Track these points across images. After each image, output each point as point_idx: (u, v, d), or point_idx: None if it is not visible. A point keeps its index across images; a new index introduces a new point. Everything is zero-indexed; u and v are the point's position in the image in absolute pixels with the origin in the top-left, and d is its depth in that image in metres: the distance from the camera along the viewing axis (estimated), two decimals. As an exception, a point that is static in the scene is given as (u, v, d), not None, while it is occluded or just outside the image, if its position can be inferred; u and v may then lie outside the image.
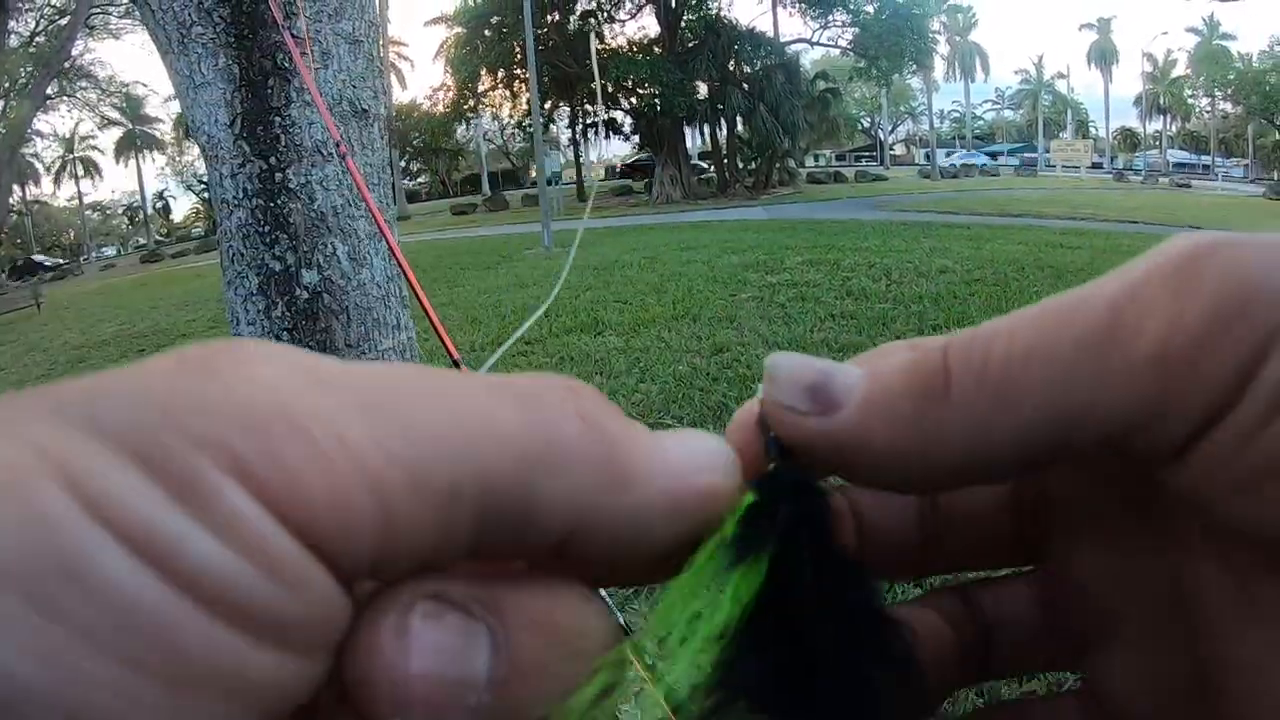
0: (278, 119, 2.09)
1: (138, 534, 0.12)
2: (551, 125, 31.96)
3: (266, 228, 2.12)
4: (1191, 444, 0.17)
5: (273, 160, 2.09)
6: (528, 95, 21.36)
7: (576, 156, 35.16)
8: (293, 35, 1.96)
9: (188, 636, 0.13)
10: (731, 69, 27.06)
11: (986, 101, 71.23)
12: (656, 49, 27.87)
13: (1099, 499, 0.22)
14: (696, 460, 0.18)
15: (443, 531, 0.15)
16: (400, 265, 1.77)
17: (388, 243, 1.86)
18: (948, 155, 49.56)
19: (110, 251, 53.84)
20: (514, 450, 0.15)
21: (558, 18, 27.94)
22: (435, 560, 0.16)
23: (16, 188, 38.73)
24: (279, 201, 2.11)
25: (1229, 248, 0.17)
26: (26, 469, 0.12)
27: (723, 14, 28.08)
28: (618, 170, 43.97)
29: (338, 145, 1.87)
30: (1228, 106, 58.45)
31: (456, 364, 1.63)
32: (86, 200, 59.80)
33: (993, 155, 51.90)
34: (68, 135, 54.56)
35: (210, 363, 0.15)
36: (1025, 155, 49.86)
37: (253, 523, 0.13)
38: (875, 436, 0.19)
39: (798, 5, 29.65)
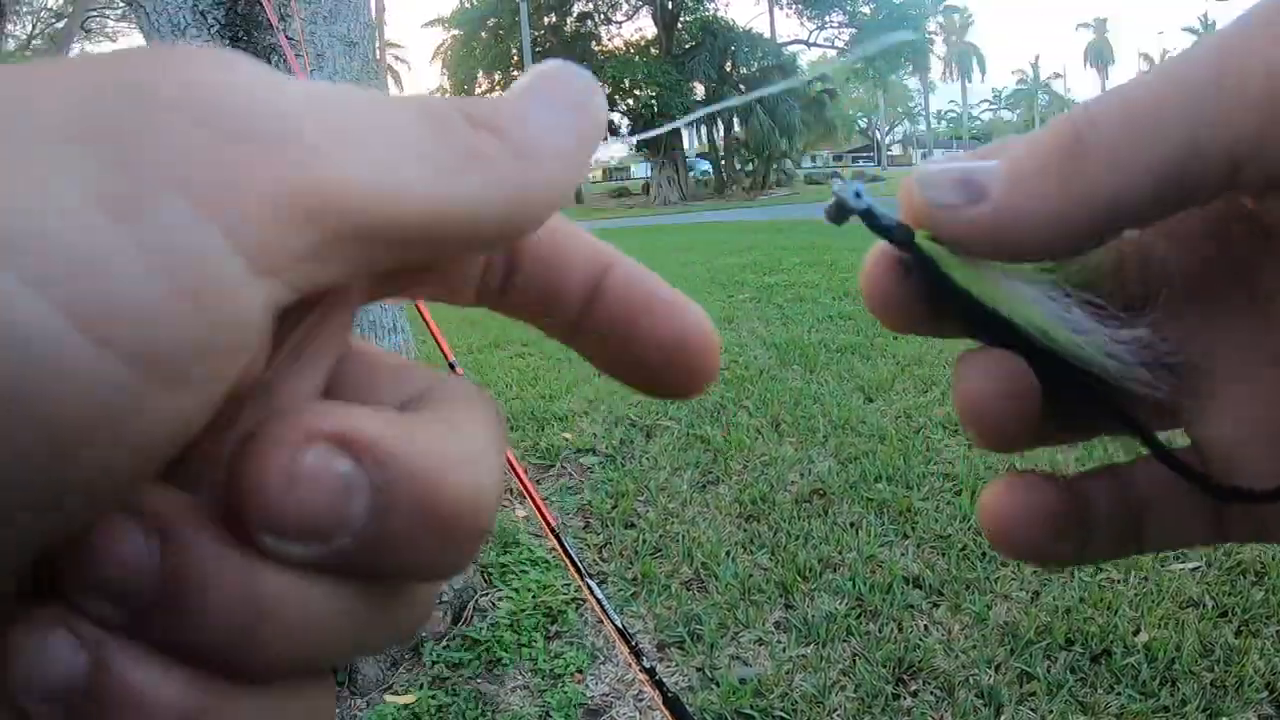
0: (272, 121, 2.08)
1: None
2: (549, 127, 31.89)
3: (262, 230, 2.11)
4: None
5: (268, 162, 2.09)
6: (525, 97, 21.32)
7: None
8: (287, 37, 1.96)
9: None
10: (728, 70, 27.10)
11: (983, 102, 71.33)
12: (653, 50, 27.89)
13: (1207, 261, 0.24)
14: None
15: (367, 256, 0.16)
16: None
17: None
18: (923, 155, 49.61)
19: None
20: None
21: (554, 20, 27.95)
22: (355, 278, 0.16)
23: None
24: (274, 204, 2.10)
25: None
26: None
27: (719, 15, 28.13)
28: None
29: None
30: (1224, 106, 58.41)
31: (452, 367, 1.62)
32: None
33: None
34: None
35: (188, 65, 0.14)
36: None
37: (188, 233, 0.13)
38: (1027, 206, 0.21)
39: (794, 6, 29.70)
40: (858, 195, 0.25)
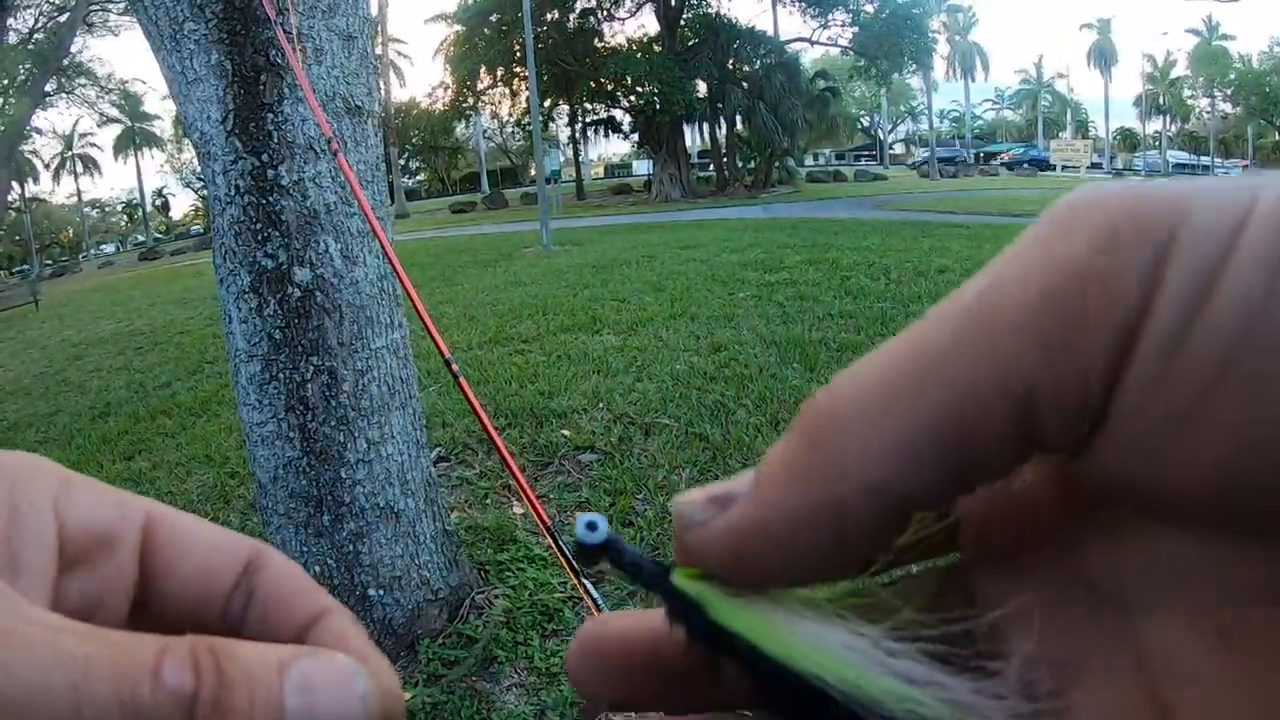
0: (270, 115, 2.07)
1: None
2: (551, 123, 31.94)
3: (258, 225, 2.10)
4: (1101, 401, 0.15)
5: (265, 157, 2.08)
6: (527, 93, 21.36)
7: (576, 155, 35.15)
8: (285, 31, 1.95)
9: None
10: (731, 67, 27.04)
11: (986, 101, 71.23)
12: (656, 47, 27.84)
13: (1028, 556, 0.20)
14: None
15: None
16: (392, 264, 1.75)
17: (379, 241, 1.84)
18: (908, 150, 49.34)
19: (109, 249, 53.84)
20: None
21: (557, 16, 27.90)
22: None
23: (15, 184, 38.71)
24: (271, 198, 2.09)
25: (1096, 192, 0.16)
26: None
27: (722, 12, 28.08)
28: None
29: (329, 142, 1.85)
30: (1227, 107, 58.47)
31: (448, 363, 1.61)
32: (86, 197, 59.86)
33: (990, 155, 51.88)
34: (67, 132, 54.63)
35: None
36: (1030, 156, 49.84)
37: None
38: (772, 502, 0.18)
39: (797, 4, 29.63)
40: (591, 527, 0.20)
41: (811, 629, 0.18)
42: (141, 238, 54.71)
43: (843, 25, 29.61)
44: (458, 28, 30.32)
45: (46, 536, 0.20)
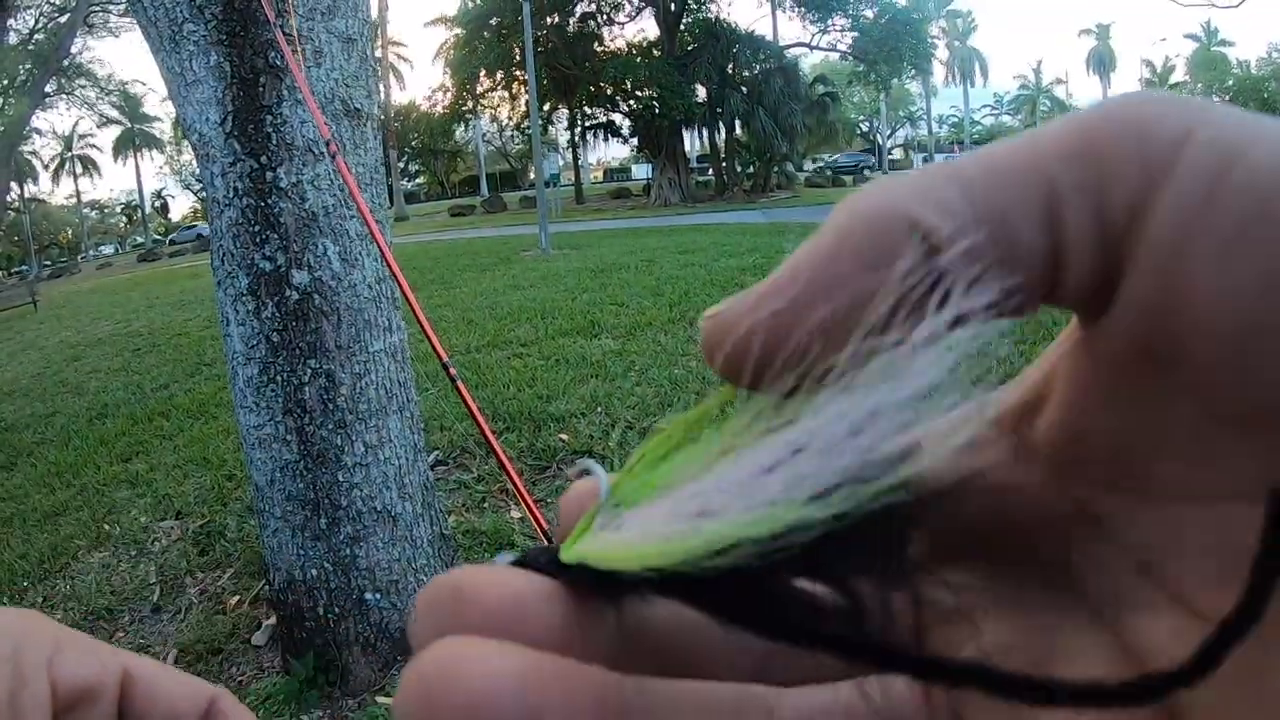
0: (269, 117, 2.07)
1: None
2: (550, 127, 31.97)
3: (257, 227, 2.10)
4: (1130, 227, 0.15)
5: (264, 159, 2.07)
6: (526, 97, 21.37)
7: (575, 159, 35.18)
8: (284, 33, 1.94)
9: None
10: (730, 72, 27.06)
11: (985, 107, 71.35)
12: (656, 52, 27.88)
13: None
14: None
15: None
16: (390, 267, 1.75)
17: (377, 244, 1.84)
18: (924, 159, 49.28)
19: (108, 250, 53.83)
20: None
21: (557, 19, 27.94)
22: None
23: (15, 185, 38.69)
24: (269, 201, 2.09)
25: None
26: None
27: (722, 17, 28.12)
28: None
29: (328, 144, 1.85)
30: (1226, 113, 58.55)
31: (446, 368, 1.61)
32: (85, 198, 59.88)
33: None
34: (66, 133, 54.64)
35: None
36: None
37: None
38: (797, 265, 0.17)
39: (797, 9, 29.69)
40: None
41: (655, 523, 0.17)
42: (140, 239, 54.75)
43: (842, 30, 29.65)
44: (458, 31, 30.39)
45: (42, 698, 0.23)
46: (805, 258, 0.17)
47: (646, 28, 34.26)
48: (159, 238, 53.47)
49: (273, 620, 2.57)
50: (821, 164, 47.78)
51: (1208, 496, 0.15)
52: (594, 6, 28.96)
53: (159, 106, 53.90)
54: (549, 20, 27.31)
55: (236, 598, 2.92)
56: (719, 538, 0.15)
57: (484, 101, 31.95)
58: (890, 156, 61.84)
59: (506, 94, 30.66)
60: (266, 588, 2.60)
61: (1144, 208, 0.15)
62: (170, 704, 0.26)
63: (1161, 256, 0.14)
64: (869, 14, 28.48)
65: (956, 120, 66.94)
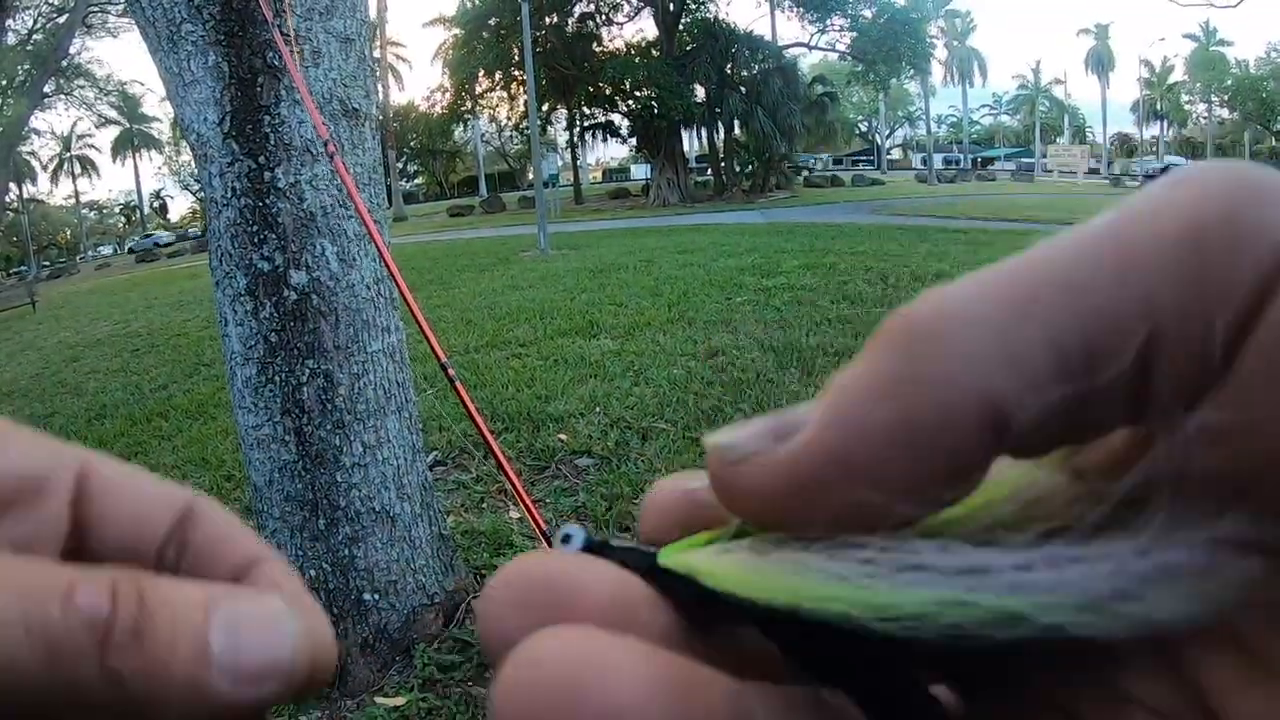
0: (267, 118, 2.07)
1: None
2: (549, 127, 31.96)
3: (255, 227, 2.10)
4: (1226, 349, 0.14)
5: (262, 159, 2.07)
6: (525, 97, 21.37)
7: (574, 159, 35.17)
8: (283, 33, 1.94)
9: None
10: (729, 72, 27.07)
11: (984, 106, 71.40)
12: (654, 52, 27.88)
13: None
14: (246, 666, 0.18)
15: None
16: (388, 267, 1.75)
17: (375, 244, 1.84)
18: (923, 159, 48.99)
19: (106, 250, 53.79)
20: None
21: (555, 20, 27.93)
22: None
23: (14, 185, 38.68)
24: (267, 201, 2.09)
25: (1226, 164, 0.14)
26: None
27: (720, 17, 28.13)
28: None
29: (326, 144, 1.85)
30: (1224, 112, 58.68)
31: (444, 368, 1.61)
32: (84, 199, 59.83)
33: (988, 160, 51.92)
34: (65, 134, 54.61)
35: None
36: (1021, 160, 49.95)
37: None
38: (857, 430, 0.15)
39: (796, 9, 29.70)
40: (565, 540, 0.19)
41: (823, 562, 0.16)
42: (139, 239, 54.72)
43: (841, 30, 29.67)
44: (456, 31, 30.39)
45: None
46: (849, 417, 0.15)
47: (645, 28, 34.25)
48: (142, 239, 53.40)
49: (271, 621, 2.57)
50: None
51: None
52: (592, 7, 28.96)
53: (157, 107, 53.97)
54: (548, 20, 27.30)
55: (235, 598, 2.91)
56: (899, 601, 0.14)
57: (483, 102, 31.96)
58: (889, 156, 61.92)
59: (505, 94, 30.67)
60: (265, 588, 2.59)
61: (1246, 329, 0.13)
62: (137, 506, 0.21)
63: (1260, 380, 0.13)
64: (867, 14, 28.51)
65: (955, 120, 66.99)
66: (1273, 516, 0.14)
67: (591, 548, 0.19)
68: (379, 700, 2.14)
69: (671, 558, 0.17)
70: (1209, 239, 0.14)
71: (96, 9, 26.82)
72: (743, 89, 26.87)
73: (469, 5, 29.72)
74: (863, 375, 0.15)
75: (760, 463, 0.16)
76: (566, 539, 0.19)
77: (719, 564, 0.17)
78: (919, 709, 0.15)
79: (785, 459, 0.15)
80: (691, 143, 34.27)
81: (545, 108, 28.43)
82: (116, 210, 64.50)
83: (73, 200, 58.15)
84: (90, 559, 0.21)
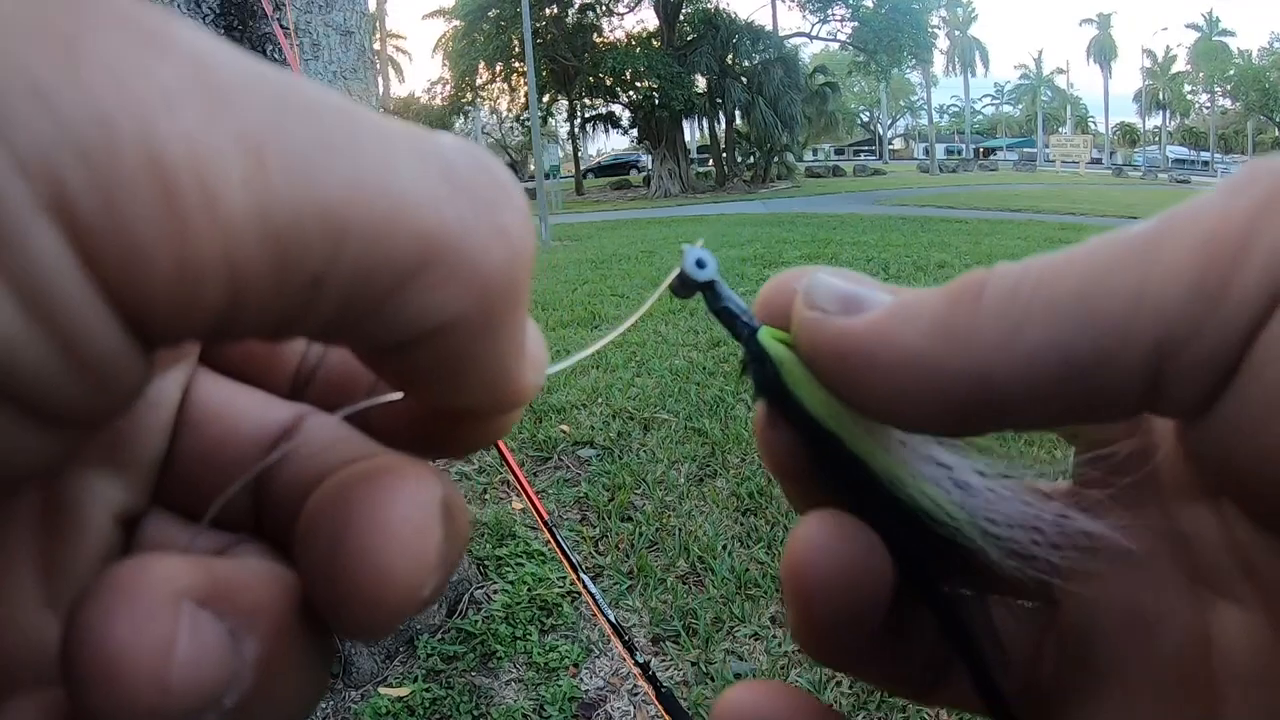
0: (268, 110, 2.07)
1: None
2: (550, 119, 31.90)
3: (256, 220, 2.10)
4: (1233, 358, 0.14)
5: (262, 152, 2.07)
6: (526, 88, 21.31)
7: (575, 150, 35.12)
8: (282, 26, 1.94)
9: None
10: (730, 62, 27.00)
11: (986, 96, 71.18)
12: (655, 42, 27.79)
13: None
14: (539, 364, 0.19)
15: (293, 317, 0.13)
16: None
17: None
18: (925, 149, 48.90)
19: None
20: (419, 249, 0.13)
21: (556, 11, 27.84)
22: (271, 336, 0.13)
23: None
24: (269, 194, 2.09)
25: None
26: None
27: (721, 7, 28.03)
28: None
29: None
30: (1227, 103, 58.41)
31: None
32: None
33: (990, 150, 51.77)
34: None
35: (80, 33, 0.11)
36: (1024, 150, 49.81)
37: (62, 288, 0.11)
38: (897, 336, 0.17)
39: (797, -1, 29.60)
40: (700, 265, 0.20)
41: (880, 429, 0.17)
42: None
43: (842, 20, 29.60)
44: (456, 23, 30.27)
45: None
46: (899, 325, 0.17)
47: (646, 18, 34.11)
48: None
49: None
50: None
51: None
52: (593, -3, 28.88)
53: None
54: (548, 11, 27.22)
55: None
56: (920, 487, 0.17)
57: (483, 94, 31.86)
58: (891, 146, 61.79)
59: (506, 86, 30.58)
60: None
61: (1256, 335, 0.14)
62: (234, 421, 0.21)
63: (1273, 374, 0.14)
64: (869, 3, 28.41)
65: (957, 110, 66.81)
66: (1256, 511, 0.15)
67: (713, 283, 0.19)
68: (383, 691, 2.15)
69: (771, 342, 0.19)
70: (1220, 250, 0.14)
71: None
72: (744, 79, 26.79)
73: (469, -4, 29.64)
74: (930, 297, 0.17)
75: (824, 323, 0.18)
76: (701, 264, 0.19)
77: (804, 378, 0.18)
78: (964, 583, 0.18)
79: (843, 330, 0.17)
80: (693, 133, 34.20)
81: (546, 99, 28.36)
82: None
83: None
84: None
